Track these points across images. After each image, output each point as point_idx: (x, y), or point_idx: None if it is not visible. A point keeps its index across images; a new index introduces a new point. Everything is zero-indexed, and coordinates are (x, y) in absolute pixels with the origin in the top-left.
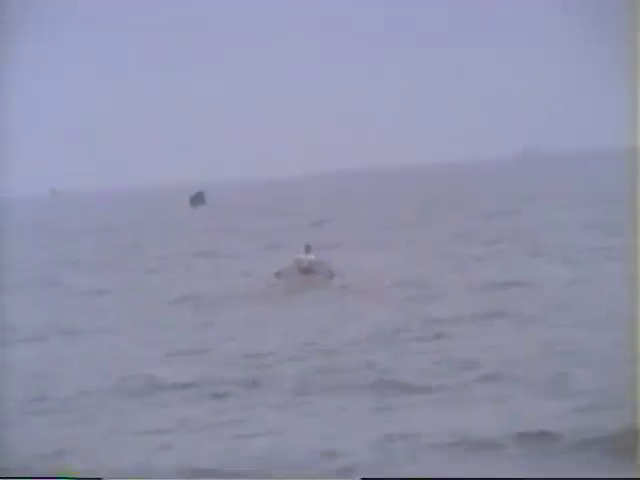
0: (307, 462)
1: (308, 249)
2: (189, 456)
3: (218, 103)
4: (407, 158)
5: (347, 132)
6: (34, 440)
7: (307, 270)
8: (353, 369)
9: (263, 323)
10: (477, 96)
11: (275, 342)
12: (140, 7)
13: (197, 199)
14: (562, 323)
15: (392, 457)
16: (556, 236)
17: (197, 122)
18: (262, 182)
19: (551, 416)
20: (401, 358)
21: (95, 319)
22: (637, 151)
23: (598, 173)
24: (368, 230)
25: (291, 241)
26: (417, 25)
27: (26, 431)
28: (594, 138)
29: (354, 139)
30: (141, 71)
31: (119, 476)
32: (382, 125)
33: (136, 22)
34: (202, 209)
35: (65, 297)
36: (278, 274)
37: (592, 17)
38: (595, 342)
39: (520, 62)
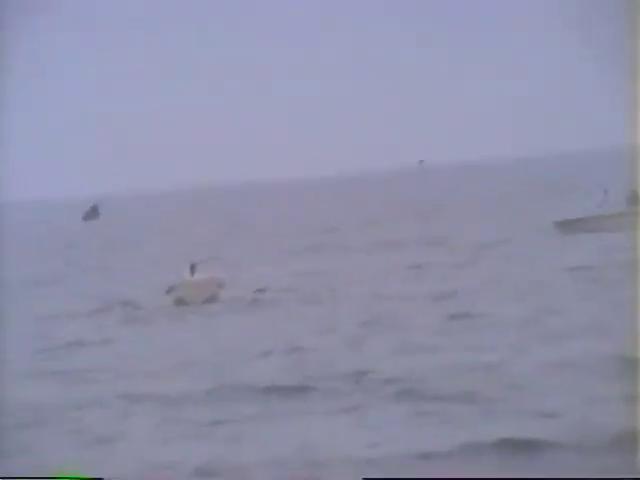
0: None
1: (193, 268)
2: None
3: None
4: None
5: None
6: None
7: (195, 287)
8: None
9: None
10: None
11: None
12: (142, 7)
13: (91, 213)
14: None
15: None
16: None
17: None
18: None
19: None
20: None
21: None
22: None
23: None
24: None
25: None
26: (411, 23)
27: None
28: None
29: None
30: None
31: (120, 476)
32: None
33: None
34: (95, 222)
35: None
36: (169, 291)
37: (589, 17)
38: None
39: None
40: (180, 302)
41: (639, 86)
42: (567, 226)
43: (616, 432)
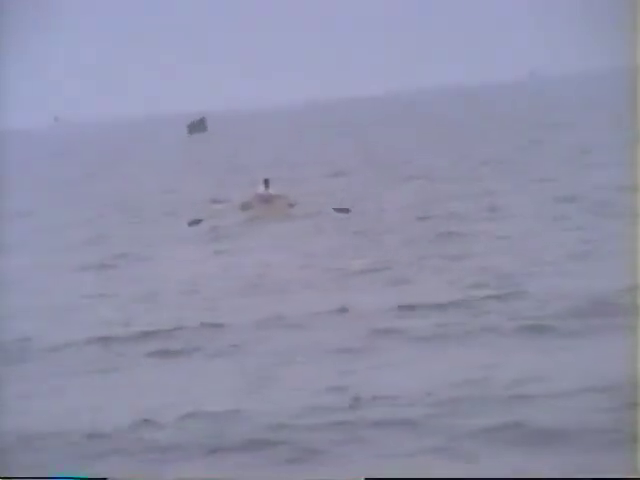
0: None
1: (267, 183)
2: None
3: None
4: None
5: (350, 58)
6: None
7: (267, 201)
8: None
9: None
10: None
11: None
12: None
13: (197, 126)
14: None
15: None
16: None
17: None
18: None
19: None
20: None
21: None
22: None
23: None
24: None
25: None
26: None
27: None
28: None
29: (359, 65)
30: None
31: (123, 476)
32: (387, 48)
33: None
34: (201, 136)
35: None
36: (243, 205)
37: None
38: None
39: None
40: (254, 219)
41: None
42: None
43: None
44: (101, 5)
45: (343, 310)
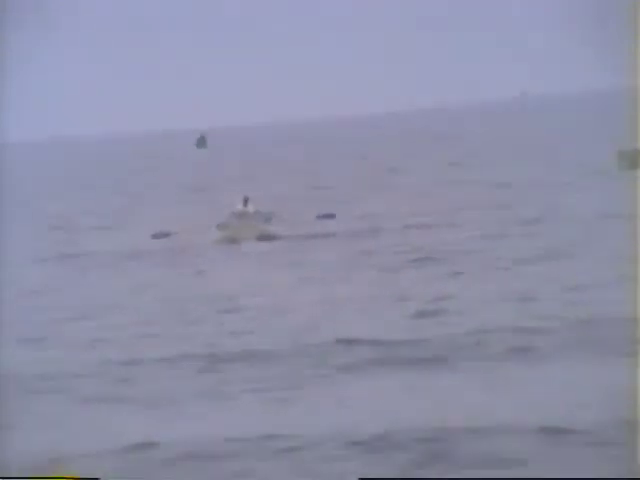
0: None
1: (246, 201)
2: None
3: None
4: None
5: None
6: None
7: (246, 219)
8: None
9: None
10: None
11: None
12: None
13: (199, 143)
14: None
15: None
16: None
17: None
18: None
19: None
20: None
21: None
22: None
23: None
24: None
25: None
26: None
27: None
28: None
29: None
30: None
31: (119, 477)
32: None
33: None
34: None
35: None
36: (219, 226)
37: None
38: None
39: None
40: (230, 240)
41: None
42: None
43: None
44: (102, 19)
45: None
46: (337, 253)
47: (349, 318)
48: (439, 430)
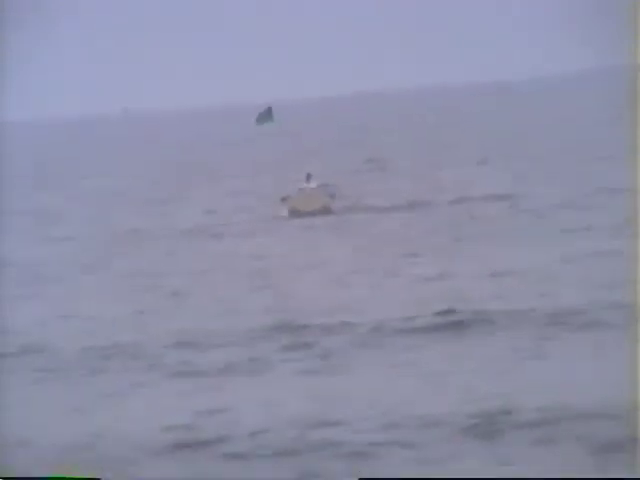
0: None
1: (309, 177)
2: None
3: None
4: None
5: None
6: None
7: (310, 195)
8: None
9: None
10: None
11: None
12: None
13: (264, 116)
14: None
15: None
16: None
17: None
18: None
19: None
20: None
21: None
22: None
23: None
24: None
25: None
26: None
27: None
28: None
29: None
30: None
31: (119, 476)
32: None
33: None
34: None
35: None
36: (284, 200)
37: None
38: None
39: None
40: (294, 212)
41: None
42: None
43: None
44: None
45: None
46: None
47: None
48: None
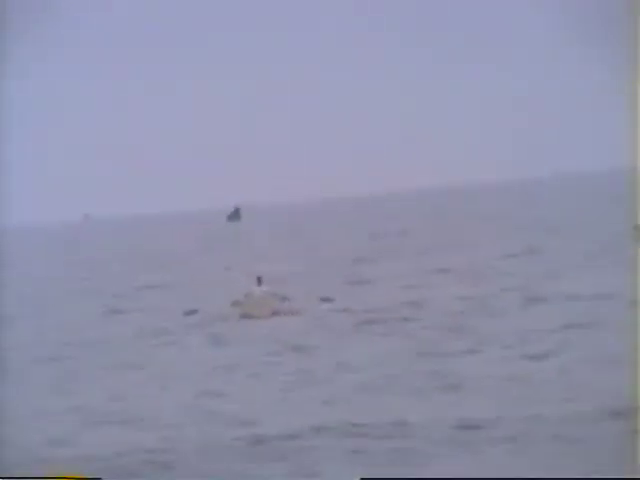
0: None
1: (259, 281)
2: None
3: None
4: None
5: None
6: None
7: (259, 299)
8: None
9: None
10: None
11: None
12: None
13: (233, 215)
14: None
15: None
16: None
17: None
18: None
19: None
20: None
21: None
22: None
23: None
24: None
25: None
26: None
27: None
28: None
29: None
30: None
31: (119, 476)
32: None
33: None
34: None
35: None
36: (235, 304)
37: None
38: None
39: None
40: (245, 315)
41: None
42: None
43: None
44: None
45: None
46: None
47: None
48: None
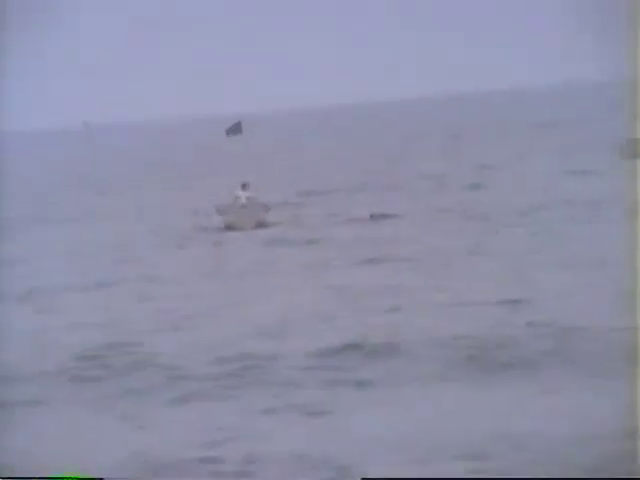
0: None
1: (245, 187)
2: None
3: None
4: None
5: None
6: None
7: (244, 205)
8: None
9: None
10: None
11: None
12: None
13: (233, 129)
14: None
15: None
16: None
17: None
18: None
19: None
20: None
21: None
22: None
23: None
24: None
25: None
26: None
27: None
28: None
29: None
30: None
31: (120, 476)
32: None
33: None
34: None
35: None
36: (218, 210)
37: None
38: None
39: None
40: (230, 227)
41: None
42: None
43: None
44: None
45: None
46: None
47: None
48: None
